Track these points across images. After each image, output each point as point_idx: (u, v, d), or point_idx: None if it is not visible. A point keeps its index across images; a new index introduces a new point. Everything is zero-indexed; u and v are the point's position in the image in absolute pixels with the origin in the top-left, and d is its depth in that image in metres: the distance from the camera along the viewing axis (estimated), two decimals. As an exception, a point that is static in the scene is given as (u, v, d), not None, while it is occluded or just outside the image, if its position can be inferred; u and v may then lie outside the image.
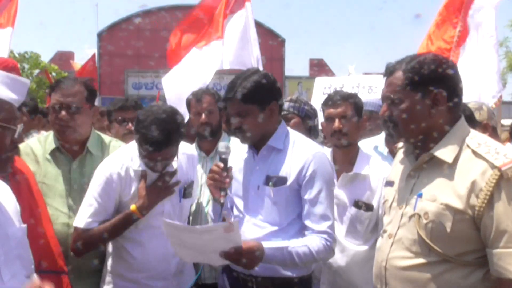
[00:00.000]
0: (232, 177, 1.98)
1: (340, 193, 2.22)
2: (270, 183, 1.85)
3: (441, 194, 1.46)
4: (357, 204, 2.22)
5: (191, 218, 2.66)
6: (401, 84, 1.54)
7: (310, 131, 2.86)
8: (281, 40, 18.31)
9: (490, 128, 2.61)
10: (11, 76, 1.42)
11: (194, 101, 2.81)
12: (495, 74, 3.87)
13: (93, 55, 6.64)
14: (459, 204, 1.42)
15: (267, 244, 1.74)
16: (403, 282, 1.52)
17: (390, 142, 2.70)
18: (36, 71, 14.92)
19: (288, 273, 1.85)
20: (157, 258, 2.05)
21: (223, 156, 1.91)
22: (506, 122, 6.05)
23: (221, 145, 1.94)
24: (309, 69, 20.31)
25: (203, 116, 2.73)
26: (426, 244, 1.47)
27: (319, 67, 19.60)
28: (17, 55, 13.41)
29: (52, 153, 2.21)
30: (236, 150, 2.12)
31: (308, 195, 1.84)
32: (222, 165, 1.89)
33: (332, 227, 1.86)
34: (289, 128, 2.01)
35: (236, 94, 1.82)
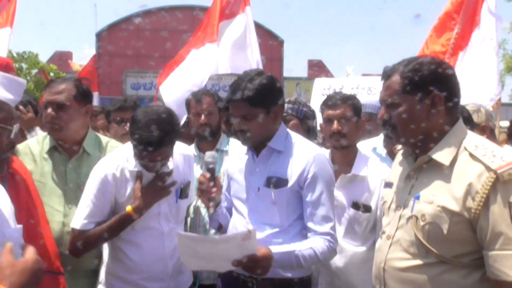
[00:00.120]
0: (222, 186, 1.99)
1: (339, 194, 2.22)
2: (271, 185, 1.85)
3: (438, 196, 1.47)
4: (355, 205, 2.22)
5: (189, 219, 2.66)
6: (399, 88, 1.54)
7: (309, 133, 2.86)
8: (279, 41, 18.31)
9: (488, 130, 2.62)
10: (8, 76, 1.42)
11: (193, 101, 2.81)
12: (495, 76, 3.88)
13: (94, 56, 6.64)
14: (455, 206, 1.42)
15: (274, 249, 1.75)
16: (401, 283, 1.53)
17: (389, 144, 2.71)
18: (34, 71, 14.91)
19: (288, 274, 1.86)
20: (154, 259, 2.04)
21: (210, 166, 1.91)
22: (504, 123, 6.06)
23: (207, 155, 1.94)
24: (307, 70, 20.32)
25: (203, 117, 2.74)
26: (424, 246, 1.48)
27: (317, 68, 19.62)
28: (15, 55, 13.40)
29: (50, 152, 2.22)
30: (234, 151, 2.12)
31: (310, 197, 1.85)
32: (208, 175, 1.88)
33: (334, 228, 1.88)
34: (288, 130, 2.01)
35: (243, 96, 1.81)
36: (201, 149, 2.81)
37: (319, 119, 2.53)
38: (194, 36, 4.16)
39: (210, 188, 1.88)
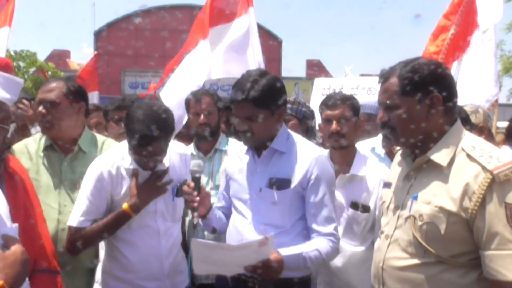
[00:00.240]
0: (208, 195, 1.97)
1: (337, 194, 2.22)
2: (274, 186, 1.85)
3: (436, 197, 1.48)
4: (354, 205, 2.22)
5: (187, 219, 2.65)
6: (397, 90, 1.55)
7: (307, 133, 2.87)
8: (278, 41, 18.31)
9: (486, 131, 2.62)
10: (5, 76, 1.41)
11: (193, 101, 2.81)
12: (493, 77, 3.89)
13: (95, 55, 6.57)
14: (452, 207, 1.43)
15: (283, 252, 1.76)
16: (399, 282, 1.54)
17: (387, 144, 2.71)
18: (32, 69, 14.85)
19: (289, 274, 1.85)
20: (150, 258, 2.04)
21: (196, 175, 1.89)
22: (501, 124, 6.08)
23: (193, 164, 1.92)
24: (306, 70, 20.32)
25: (202, 116, 2.73)
26: (421, 246, 1.49)
27: (316, 68, 19.61)
28: (13, 54, 13.35)
29: (46, 150, 2.24)
30: (233, 150, 2.12)
31: (314, 199, 1.86)
32: (192, 184, 1.87)
33: (336, 228, 1.90)
34: (289, 130, 2.01)
35: (249, 97, 1.79)
36: (200, 149, 2.81)
37: (319, 119, 2.54)
38: (189, 37, 4.13)
39: (194, 197, 1.86)
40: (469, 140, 1.53)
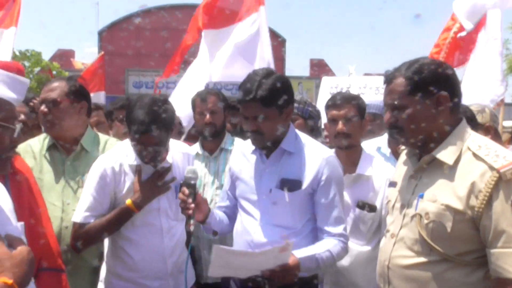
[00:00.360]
0: (205, 201, 1.95)
1: (344, 194, 2.21)
2: (285, 188, 1.85)
3: (442, 195, 1.48)
4: (360, 205, 2.22)
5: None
6: (404, 90, 1.55)
7: (312, 132, 2.86)
8: (281, 40, 18.29)
9: (492, 131, 2.60)
10: (11, 75, 1.41)
11: (198, 100, 2.81)
12: (498, 77, 3.86)
13: (102, 55, 6.55)
14: (459, 205, 1.44)
15: (297, 254, 1.75)
16: (405, 280, 1.55)
17: (393, 143, 2.70)
18: (37, 69, 14.89)
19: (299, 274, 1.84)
20: (153, 257, 2.04)
21: (191, 182, 1.86)
22: (507, 123, 6.06)
23: (188, 170, 1.89)
24: (309, 69, 20.28)
25: (208, 116, 2.73)
26: (427, 244, 1.49)
27: (319, 67, 19.56)
28: (18, 53, 13.39)
29: (49, 150, 2.26)
30: (239, 150, 2.11)
31: (324, 200, 1.86)
32: (187, 191, 1.85)
33: (346, 228, 1.91)
34: (297, 130, 2.00)
35: (257, 96, 1.78)
36: (206, 148, 2.81)
37: (324, 119, 2.53)
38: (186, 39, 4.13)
39: (188, 204, 1.84)
40: (475, 139, 1.53)
